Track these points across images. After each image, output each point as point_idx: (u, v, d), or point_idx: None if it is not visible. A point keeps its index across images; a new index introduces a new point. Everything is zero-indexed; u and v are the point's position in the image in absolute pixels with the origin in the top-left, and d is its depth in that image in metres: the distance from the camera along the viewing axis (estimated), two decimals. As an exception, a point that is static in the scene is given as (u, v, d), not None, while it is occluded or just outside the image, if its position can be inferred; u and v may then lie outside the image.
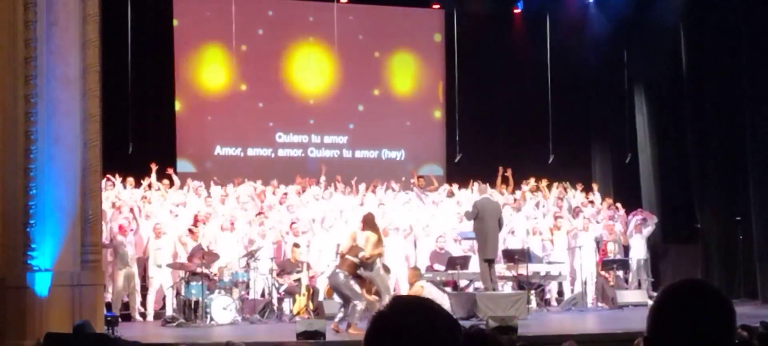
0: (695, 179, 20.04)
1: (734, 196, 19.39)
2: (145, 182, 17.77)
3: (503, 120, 21.11)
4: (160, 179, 17.93)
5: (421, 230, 17.77)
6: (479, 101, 21.25)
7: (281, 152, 20.83)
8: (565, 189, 19.66)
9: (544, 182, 19.57)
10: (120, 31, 18.13)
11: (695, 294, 2.40)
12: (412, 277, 15.47)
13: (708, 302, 2.37)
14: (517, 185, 19.40)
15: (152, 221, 16.83)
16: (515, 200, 18.92)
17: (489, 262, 15.75)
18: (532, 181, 19.48)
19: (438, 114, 21.91)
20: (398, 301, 2.45)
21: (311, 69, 21.20)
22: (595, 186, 19.83)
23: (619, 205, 19.53)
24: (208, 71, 20.50)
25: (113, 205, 16.60)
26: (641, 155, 21.19)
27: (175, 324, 15.32)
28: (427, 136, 21.87)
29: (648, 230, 19.16)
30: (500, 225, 16.19)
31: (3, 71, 13.54)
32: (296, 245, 16.59)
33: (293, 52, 21.10)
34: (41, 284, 13.63)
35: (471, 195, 18.39)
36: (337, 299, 14.84)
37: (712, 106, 19.42)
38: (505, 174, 19.24)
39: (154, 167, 17.87)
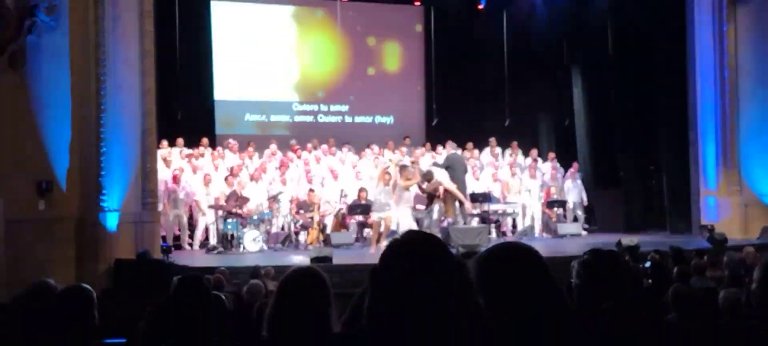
0: (618, 137, 20.11)
1: (648, 151, 19.47)
2: (196, 150, 17.64)
3: (470, 92, 21.03)
4: (199, 143, 17.85)
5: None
6: (451, 77, 21.21)
7: (297, 118, 20.80)
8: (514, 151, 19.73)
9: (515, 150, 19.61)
10: (170, 23, 18.02)
11: (497, 254, 2.40)
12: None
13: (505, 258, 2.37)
14: (481, 146, 19.41)
15: (202, 172, 16.85)
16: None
17: (460, 203, 15.88)
18: (493, 141, 19.48)
19: (419, 88, 21.85)
20: (410, 232, 2.48)
21: (321, 53, 21.09)
22: (534, 151, 19.72)
23: (558, 163, 19.54)
24: (240, 55, 20.39)
25: (164, 160, 16.47)
26: (577, 119, 21.22)
27: (215, 252, 15.43)
28: (411, 105, 21.82)
29: (579, 176, 19.28)
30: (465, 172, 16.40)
31: (80, 56, 13.54)
32: (312, 190, 16.65)
33: (307, 40, 20.98)
34: (111, 222, 13.73)
35: (444, 150, 18.45)
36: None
37: (631, 82, 19.42)
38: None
39: (205, 142, 17.82)
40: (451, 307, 2.18)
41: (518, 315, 2.21)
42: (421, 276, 2.19)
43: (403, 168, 15.10)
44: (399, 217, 15.11)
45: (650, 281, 8.73)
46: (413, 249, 2.27)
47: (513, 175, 18.53)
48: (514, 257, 2.34)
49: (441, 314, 2.17)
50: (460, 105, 20.99)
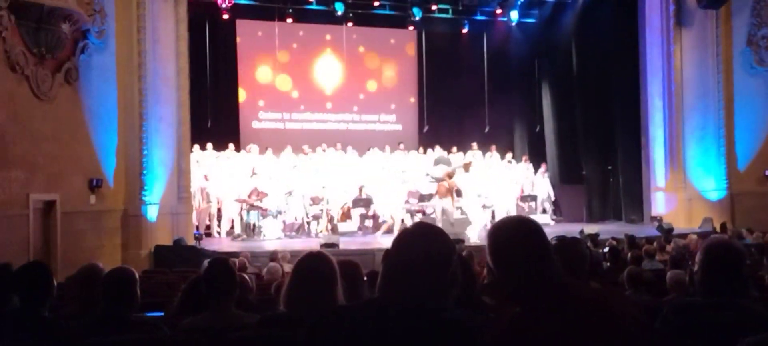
0: (581, 141, 20.13)
1: (606, 152, 19.49)
2: (223, 153, 17.59)
3: (455, 103, 21.00)
4: (226, 147, 17.80)
5: (401, 174, 17.80)
6: (440, 91, 21.19)
7: (307, 126, 20.76)
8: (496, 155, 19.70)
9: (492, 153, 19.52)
10: (201, 43, 18.01)
11: (507, 226, 2.39)
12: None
13: (511, 227, 2.35)
14: (464, 150, 19.36)
15: (228, 171, 16.83)
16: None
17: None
18: (475, 145, 19.43)
19: (412, 100, 21.84)
20: (419, 223, 2.53)
21: (329, 70, 21.05)
22: (509, 154, 19.73)
23: (530, 164, 19.54)
24: (260, 72, 20.37)
25: (197, 161, 16.47)
26: (546, 126, 21.22)
27: (240, 239, 15.42)
28: (405, 114, 21.82)
29: (548, 175, 19.28)
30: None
31: (125, 73, 13.55)
32: (323, 187, 16.64)
33: (316, 59, 20.96)
34: (151, 213, 13.74)
35: (433, 152, 18.43)
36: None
37: (592, 94, 19.47)
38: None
39: (231, 146, 17.78)
40: (447, 280, 2.22)
41: (521, 274, 2.24)
42: (425, 256, 2.23)
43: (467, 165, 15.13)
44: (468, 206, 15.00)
45: (608, 263, 8.74)
46: (419, 236, 2.31)
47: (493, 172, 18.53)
48: (520, 226, 2.35)
49: (439, 285, 2.22)
50: (447, 114, 20.98)
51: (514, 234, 2.31)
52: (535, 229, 2.33)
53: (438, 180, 14.88)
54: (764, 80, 16.79)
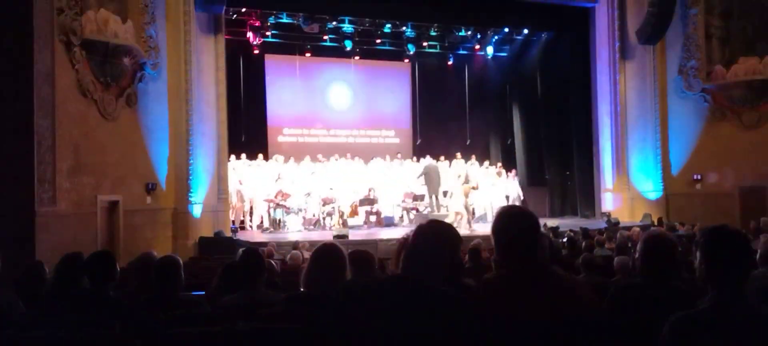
0: (544, 151, 20.13)
1: (565, 160, 19.49)
2: (254, 161, 17.55)
3: (442, 121, 20.99)
4: (256, 157, 17.77)
5: (397, 178, 17.77)
6: (430, 111, 21.19)
7: (323, 140, 20.68)
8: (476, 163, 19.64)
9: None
10: (236, 74, 18.01)
11: (509, 213, 2.44)
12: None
13: (515, 215, 2.41)
14: (449, 158, 19.27)
15: (258, 176, 16.79)
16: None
17: (436, 198, 15.83)
18: (458, 155, 19.32)
19: (407, 118, 21.81)
20: (433, 220, 2.60)
21: (340, 94, 21.02)
22: (486, 162, 19.65)
23: (503, 169, 19.47)
24: (284, 96, 20.35)
25: (233, 168, 16.46)
26: (516, 139, 21.20)
27: (268, 232, 15.39)
28: (402, 130, 21.81)
29: (517, 178, 19.20)
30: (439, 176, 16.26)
31: (174, 97, 13.58)
32: (331, 188, 16.62)
33: (330, 85, 20.93)
34: (196, 211, 13.73)
35: (424, 160, 18.40)
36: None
37: (554, 113, 19.49)
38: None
39: (260, 156, 17.76)
40: (456, 261, 2.35)
41: (516, 252, 2.29)
42: (440, 243, 2.33)
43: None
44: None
45: (566, 251, 8.73)
46: (435, 227, 2.39)
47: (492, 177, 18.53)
48: (521, 216, 2.39)
49: (449, 265, 2.32)
50: (435, 129, 20.96)
51: (515, 220, 2.35)
52: (532, 220, 2.37)
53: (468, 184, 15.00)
54: (692, 102, 16.81)
